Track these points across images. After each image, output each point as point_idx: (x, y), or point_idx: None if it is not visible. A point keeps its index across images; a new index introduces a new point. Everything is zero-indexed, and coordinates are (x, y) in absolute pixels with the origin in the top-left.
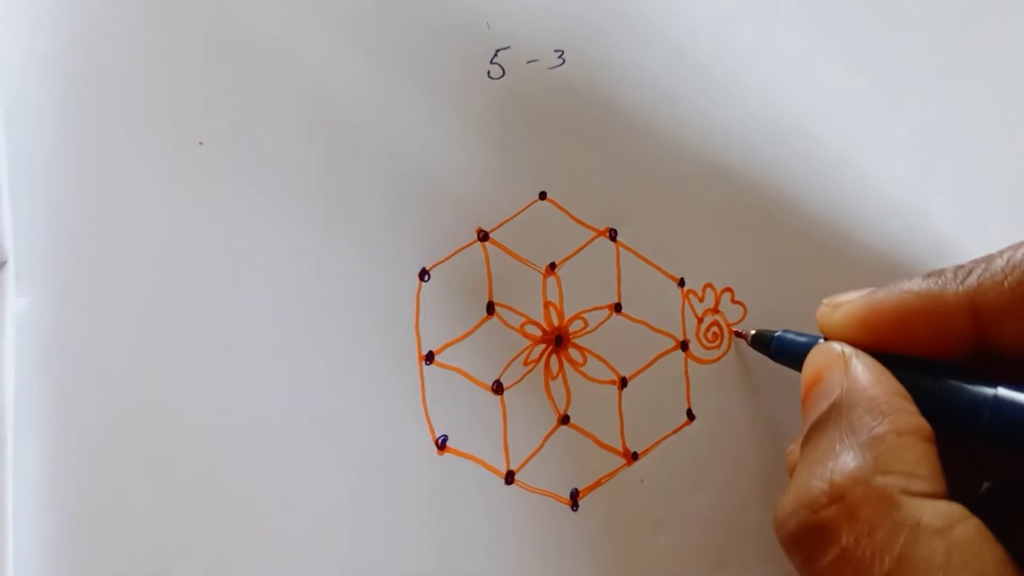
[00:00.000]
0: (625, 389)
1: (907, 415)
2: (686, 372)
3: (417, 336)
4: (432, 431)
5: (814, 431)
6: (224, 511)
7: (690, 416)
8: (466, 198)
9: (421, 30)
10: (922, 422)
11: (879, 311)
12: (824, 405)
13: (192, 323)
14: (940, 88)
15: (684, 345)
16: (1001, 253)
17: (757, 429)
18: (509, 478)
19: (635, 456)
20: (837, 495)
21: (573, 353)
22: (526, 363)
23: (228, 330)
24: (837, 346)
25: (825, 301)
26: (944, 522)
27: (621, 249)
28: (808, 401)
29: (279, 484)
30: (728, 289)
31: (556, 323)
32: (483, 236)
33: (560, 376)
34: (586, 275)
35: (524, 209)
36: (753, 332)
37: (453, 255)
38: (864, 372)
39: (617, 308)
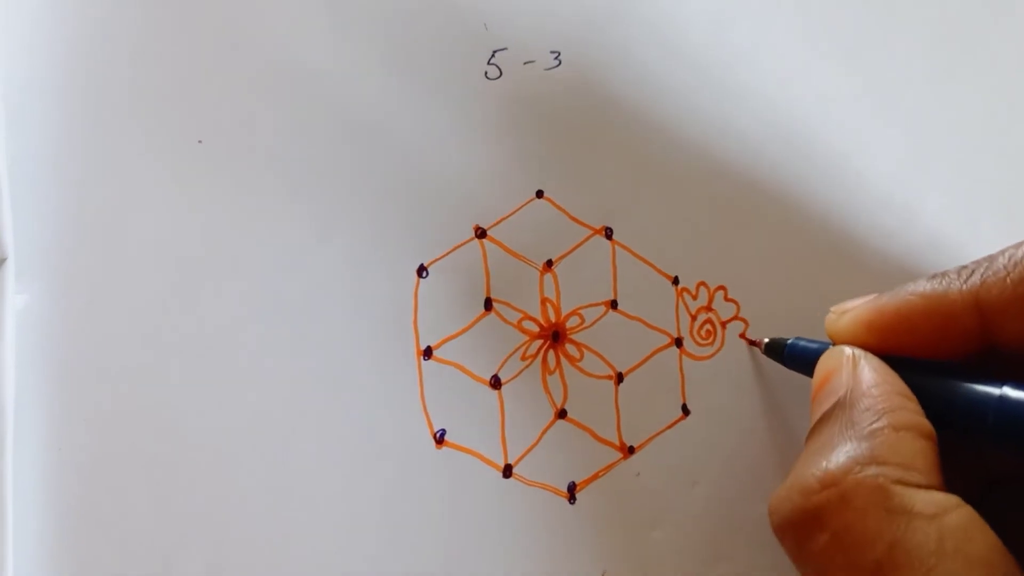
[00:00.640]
0: (621, 384)
1: (907, 413)
2: (680, 368)
3: (415, 331)
4: (430, 425)
5: (817, 427)
6: (225, 504)
7: (685, 411)
8: (464, 196)
9: (420, 31)
10: (923, 420)
11: (885, 314)
12: (829, 403)
13: (192, 319)
14: (933, 87)
15: (678, 342)
16: (1003, 252)
17: (751, 424)
18: (507, 472)
19: (631, 450)
20: (830, 481)
21: (570, 349)
22: (524, 358)
23: (227, 326)
24: (847, 349)
25: (832, 308)
26: (936, 509)
27: (617, 247)
28: (816, 400)
29: (279, 477)
30: (722, 287)
31: (553, 319)
32: (481, 233)
33: (557, 371)
34: (582, 272)
35: (521, 207)
36: (767, 340)
37: (451, 252)
38: (869, 372)
39: (613, 305)
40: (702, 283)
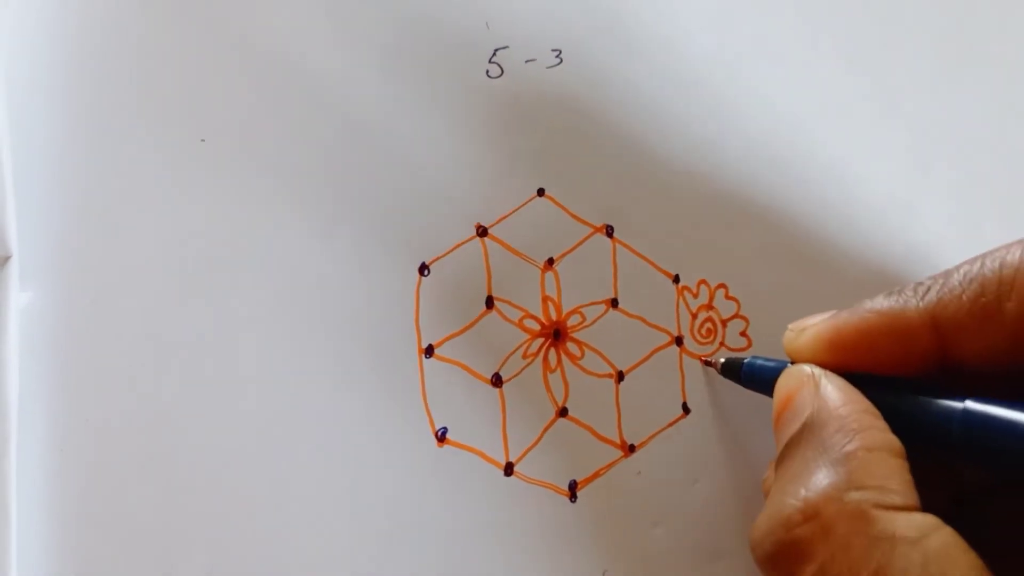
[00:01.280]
0: (622, 383)
1: (877, 432)
2: (681, 367)
3: (417, 330)
4: (432, 423)
5: (787, 452)
6: (227, 503)
7: (685, 409)
8: (465, 194)
9: (421, 30)
10: (892, 438)
11: (843, 332)
12: (795, 426)
13: (195, 318)
14: (934, 90)
15: (679, 340)
16: (959, 268)
17: (751, 422)
18: (508, 470)
19: (632, 448)
20: (812, 512)
21: (571, 347)
22: (525, 356)
23: (230, 324)
24: (807, 368)
25: (790, 326)
26: (918, 533)
27: (618, 245)
28: (780, 423)
29: (281, 476)
30: (722, 285)
31: (554, 317)
32: (482, 232)
33: (558, 369)
34: (583, 271)
35: (522, 205)
36: (723, 360)
37: (452, 250)
38: (834, 392)
39: (614, 303)
40: (703, 281)
